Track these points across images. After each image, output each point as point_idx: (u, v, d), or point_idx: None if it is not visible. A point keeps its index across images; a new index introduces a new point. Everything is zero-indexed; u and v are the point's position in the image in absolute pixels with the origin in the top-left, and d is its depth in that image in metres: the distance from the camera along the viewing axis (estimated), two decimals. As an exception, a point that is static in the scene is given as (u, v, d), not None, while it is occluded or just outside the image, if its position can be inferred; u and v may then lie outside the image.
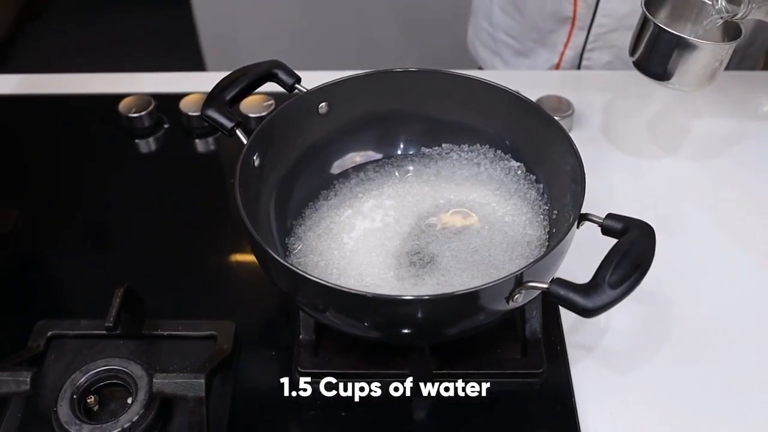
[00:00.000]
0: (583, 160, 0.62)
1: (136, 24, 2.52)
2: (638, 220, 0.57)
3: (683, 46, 0.72)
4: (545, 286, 0.53)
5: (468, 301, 0.54)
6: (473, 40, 1.19)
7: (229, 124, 0.66)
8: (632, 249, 0.54)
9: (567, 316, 0.71)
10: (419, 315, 0.55)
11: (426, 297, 0.54)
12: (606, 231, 0.58)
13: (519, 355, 0.67)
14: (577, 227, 0.60)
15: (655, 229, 0.81)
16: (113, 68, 1.01)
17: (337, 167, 0.74)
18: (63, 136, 0.94)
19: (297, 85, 0.71)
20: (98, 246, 0.80)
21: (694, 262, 0.77)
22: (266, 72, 0.70)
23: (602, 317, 0.72)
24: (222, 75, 0.70)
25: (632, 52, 0.77)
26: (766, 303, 0.73)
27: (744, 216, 0.81)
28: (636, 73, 0.99)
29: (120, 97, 0.93)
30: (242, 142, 0.65)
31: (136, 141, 0.92)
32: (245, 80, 0.69)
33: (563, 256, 0.59)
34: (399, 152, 0.75)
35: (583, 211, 0.59)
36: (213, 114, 0.66)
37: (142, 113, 0.90)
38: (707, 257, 0.77)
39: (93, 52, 2.31)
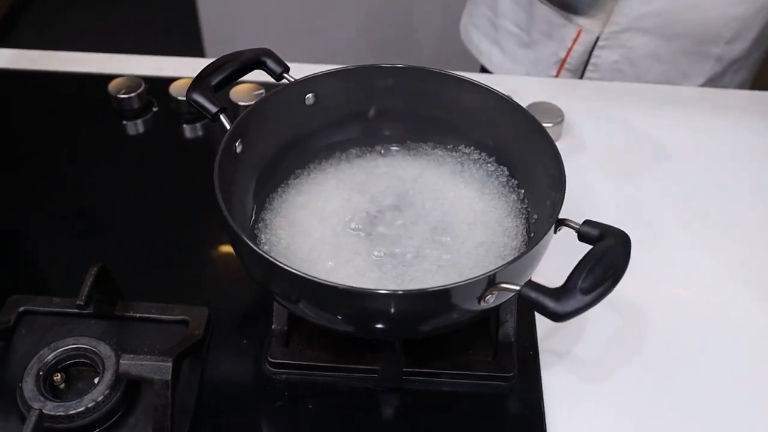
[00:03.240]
0: (565, 168, 0.61)
1: (138, 8, 2.52)
2: (615, 228, 0.57)
3: None
4: (517, 288, 0.53)
5: (439, 298, 0.54)
6: (468, 27, 1.16)
7: (213, 108, 0.66)
8: (606, 256, 0.54)
9: (542, 322, 0.70)
10: (389, 310, 0.54)
11: (399, 292, 0.53)
12: (582, 237, 0.58)
13: (490, 358, 0.67)
14: (555, 232, 0.60)
15: (635, 240, 0.81)
16: (110, 51, 1.00)
17: (319, 157, 0.74)
18: (52, 113, 0.93)
19: (285, 75, 0.70)
20: (78, 225, 0.80)
21: (674, 276, 0.77)
22: (255, 59, 0.70)
23: (577, 325, 0.72)
24: (215, 62, 0.69)
25: None
26: (742, 319, 0.73)
27: (729, 235, 0.81)
28: (634, 86, 1.00)
29: (112, 77, 0.93)
30: (227, 129, 0.65)
31: (125, 122, 0.91)
32: (232, 66, 0.68)
33: (538, 260, 0.59)
34: (384, 145, 0.75)
35: (562, 217, 0.59)
36: (198, 98, 0.66)
37: (131, 95, 0.90)
38: (687, 272, 0.77)
39: (92, 35, 2.31)
